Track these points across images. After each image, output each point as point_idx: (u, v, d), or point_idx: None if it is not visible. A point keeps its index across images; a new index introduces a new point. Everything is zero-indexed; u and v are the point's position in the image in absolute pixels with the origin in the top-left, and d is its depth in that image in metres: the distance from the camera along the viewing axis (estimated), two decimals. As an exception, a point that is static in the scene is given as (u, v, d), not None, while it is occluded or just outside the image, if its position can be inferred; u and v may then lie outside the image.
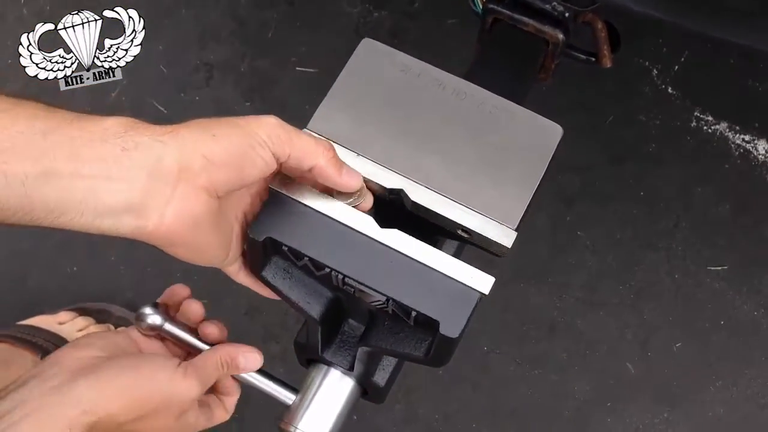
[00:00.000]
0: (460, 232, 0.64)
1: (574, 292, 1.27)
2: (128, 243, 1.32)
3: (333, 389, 0.70)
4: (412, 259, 0.60)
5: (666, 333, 1.25)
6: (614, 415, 1.22)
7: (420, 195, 0.63)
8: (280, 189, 0.62)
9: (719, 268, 1.29)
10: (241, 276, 0.67)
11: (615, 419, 1.22)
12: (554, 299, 1.27)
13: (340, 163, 0.60)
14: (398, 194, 0.64)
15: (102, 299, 1.26)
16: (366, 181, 0.63)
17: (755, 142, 1.35)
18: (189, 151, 0.55)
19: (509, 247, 0.63)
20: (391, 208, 0.65)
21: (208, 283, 1.27)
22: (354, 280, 0.60)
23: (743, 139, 1.36)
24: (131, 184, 0.55)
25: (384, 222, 0.62)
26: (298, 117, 1.43)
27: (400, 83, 0.66)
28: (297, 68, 1.40)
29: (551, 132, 0.66)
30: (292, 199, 0.62)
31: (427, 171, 0.64)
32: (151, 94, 1.38)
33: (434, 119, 0.65)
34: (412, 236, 0.62)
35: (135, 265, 1.29)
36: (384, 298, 0.60)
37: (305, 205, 0.62)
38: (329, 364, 0.71)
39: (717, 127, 1.36)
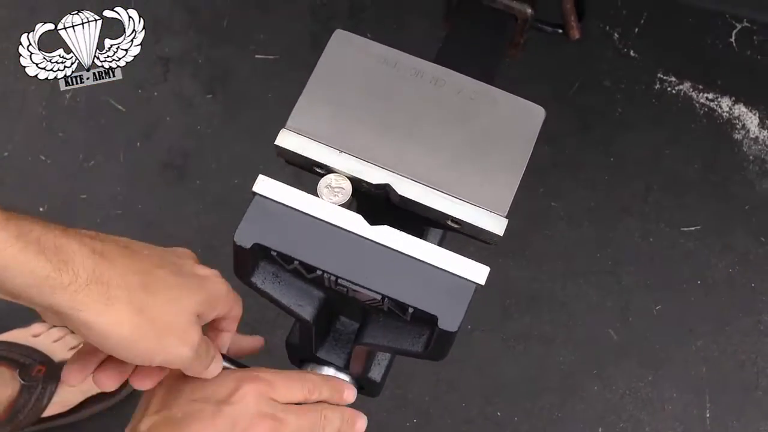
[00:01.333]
0: (449, 222, 0.63)
1: (553, 263, 1.28)
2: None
3: (329, 389, 0.69)
4: (405, 254, 0.59)
5: (645, 297, 1.26)
6: (600, 382, 1.23)
7: (407, 188, 0.62)
8: (263, 192, 0.60)
9: (692, 228, 1.30)
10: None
11: (601, 386, 1.23)
12: (533, 272, 1.27)
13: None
14: (384, 189, 0.62)
15: (75, 307, 1.23)
16: (351, 178, 0.62)
17: (719, 100, 1.36)
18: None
19: (501, 235, 0.62)
20: (378, 204, 0.64)
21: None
22: (347, 280, 0.59)
23: (707, 98, 1.36)
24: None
25: (372, 218, 0.61)
26: (262, 105, 1.42)
27: (377, 74, 0.65)
28: (256, 56, 1.37)
29: (534, 114, 0.65)
30: (277, 202, 0.60)
31: (411, 163, 0.63)
32: (106, 92, 1.34)
33: (415, 109, 0.64)
34: (401, 230, 0.61)
35: (107, 270, 1.26)
36: (379, 296, 0.59)
37: (291, 207, 0.60)
38: (323, 362, 0.70)
39: (681, 87, 1.37)
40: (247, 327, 1.24)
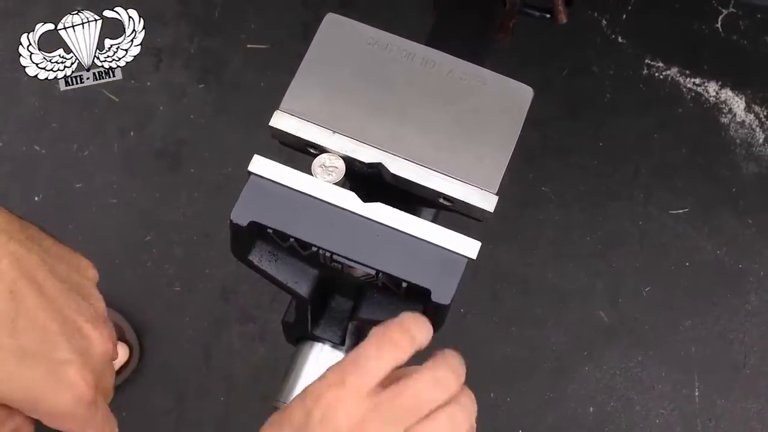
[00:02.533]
0: (441, 200, 0.64)
1: (543, 246, 1.29)
2: (93, 235, 1.30)
3: (325, 365, 0.70)
4: (398, 230, 0.61)
5: (634, 279, 1.28)
6: (591, 363, 1.25)
7: (399, 167, 0.63)
8: (259, 172, 0.62)
9: (680, 211, 1.32)
10: None
11: (592, 367, 1.25)
12: (525, 256, 1.29)
13: None
14: (377, 168, 0.64)
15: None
16: (344, 157, 0.63)
17: (705, 84, 1.38)
18: None
19: (491, 211, 0.63)
20: (371, 183, 0.65)
21: (180, 270, 1.27)
22: (342, 256, 0.60)
23: (694, 83, 1.38)
24: None
25: (364, 197, 0.62)
26: (254, 94, 1.43)
27: (369, 56, 0.66)
28: (248, 45, 1.39)
29: (522, 94, 0.66)
30: (272, 181, 0.61)
31: (403, 142, 0.64)
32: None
33: (406, 90, 0.65)
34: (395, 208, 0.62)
35: (103, 257, 1.27)
36: (373, 272, 0.60)
37: (286, 186, 0.61)
38: (319, 340, 0.71)
39: (668, 72, 1.39)
40: (242, 312, 1.26)
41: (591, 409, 1.23)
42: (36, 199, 1.29)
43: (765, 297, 1.27)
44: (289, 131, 0.64)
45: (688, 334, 1.26)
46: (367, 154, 0.64)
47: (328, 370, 0.52)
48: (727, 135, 1.35)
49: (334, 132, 0.64)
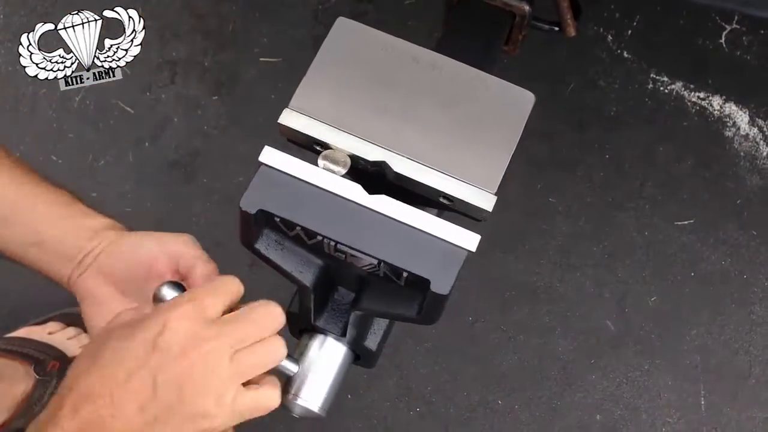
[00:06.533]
0: (441, 199, 0.66)
1: (551, 256, 1.31)
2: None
3: (327, 355, 0.72)
4: (401, 222, 0.63)
5: (641, 289, 1.30)
6: (598, 372, 1.26)
7: (402, 165, 0.66)
8: (269, 162, 0.64)
9: (686, 222, 1.33)
10: None
11: (599, 375, 1.26)
12: (532, 265, 1.30)
13: None
14: (381, 166, 0.66)
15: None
16: (349, 155, 0.66)
17: (710, 98, 1.40)
18: None
19: (490, 210, 0.65)
20: (374, 180, 0.67)
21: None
22: (346, 245, 0.62)
23: (698, 97, 1.40)
24: None
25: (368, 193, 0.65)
26: (266, 106, 1.46)
27: (377, 59, 0.69)
28: (261, 59, 1.42)
29: (524, 99, 0.68)
30: (281, 171, 0.64)
31: (407, 142, 0.66)
32: (115, 95, 1.38)
33: (412, 92, 0.68)
34: (397, 204, 0.64)
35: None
36: (376, 261, 0.63)
37: (294, 176, 0.64)
38: (321, 331, 0.73)
39: (673, 86, 1.41)
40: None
41: (597, 417, 1.24)
42: (53, 207, 1.32)
43: (771, 308, 1.28)
44: (297, 128, 0.67)
45: (693, 343, 1.27)
46: (371, 153, 0.66)
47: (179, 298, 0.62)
48: (732, 148, 1.37)
49: (341, 130, 0.66)
